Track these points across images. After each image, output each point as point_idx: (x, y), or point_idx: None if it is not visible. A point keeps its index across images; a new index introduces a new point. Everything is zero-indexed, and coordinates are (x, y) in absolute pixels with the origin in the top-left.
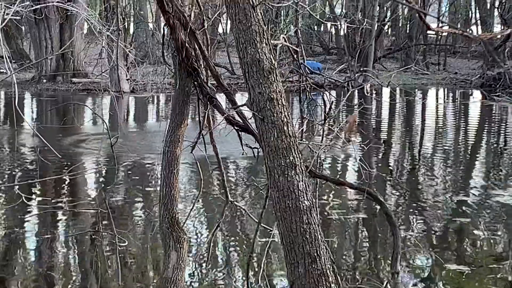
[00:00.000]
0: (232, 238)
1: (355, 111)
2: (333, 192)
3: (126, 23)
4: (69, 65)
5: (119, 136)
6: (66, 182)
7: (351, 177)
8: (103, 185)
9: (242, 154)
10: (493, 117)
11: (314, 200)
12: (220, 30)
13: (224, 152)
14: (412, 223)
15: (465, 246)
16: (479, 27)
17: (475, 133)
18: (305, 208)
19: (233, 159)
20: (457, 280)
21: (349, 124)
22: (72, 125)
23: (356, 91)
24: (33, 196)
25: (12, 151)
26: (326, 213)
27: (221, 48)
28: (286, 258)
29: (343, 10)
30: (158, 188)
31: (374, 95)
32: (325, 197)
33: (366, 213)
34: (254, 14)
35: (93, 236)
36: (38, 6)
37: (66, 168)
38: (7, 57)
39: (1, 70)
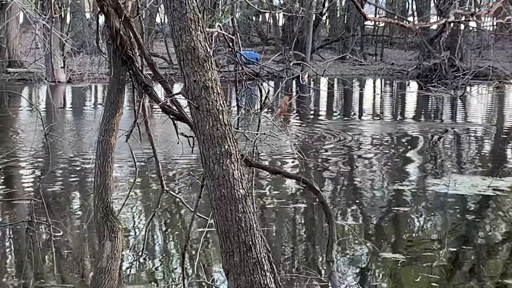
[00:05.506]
0: (168, 228)
1: (286, 94)
2: (271, 181)
3: (62, 12)
4: (4, 54)
5: (54, 126)
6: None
7: (288, 166)
8: (38, 175)
9: (178, 143)
10: (429, 107)
11: (249, 189)
12: (158, 20)
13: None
14: (348, 212)
15: (400, 235)
16: (416, 18)
17: (411, 122)
18: (240, 197)
19: (171, 148)
20: (392, 268)
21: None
22: (5, 114)
23: (294, 81)
24: None
25: None
26: (263, 203)
27: (159, 38)
28: (222, 247)
29: (281, 0)
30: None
31: (312, 85)
32: (264, 187)
33: (304, 202)
34: (189, 1)
35: (27, 227)
36: None
37: None
38: None
39: None
